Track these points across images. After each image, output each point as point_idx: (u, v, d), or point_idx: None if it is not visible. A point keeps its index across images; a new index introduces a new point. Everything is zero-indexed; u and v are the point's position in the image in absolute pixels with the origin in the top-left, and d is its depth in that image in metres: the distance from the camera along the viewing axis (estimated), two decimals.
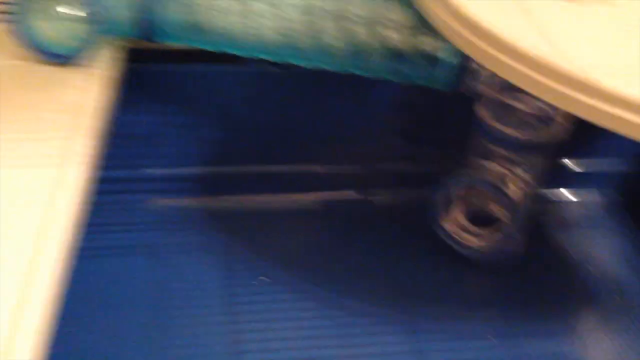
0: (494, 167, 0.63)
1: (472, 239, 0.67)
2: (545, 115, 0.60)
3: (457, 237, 0.67)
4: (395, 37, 0.57)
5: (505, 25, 0.44)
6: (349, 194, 0.77)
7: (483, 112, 0.61)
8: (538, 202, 0.78)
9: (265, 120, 0.74)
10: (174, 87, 0.71)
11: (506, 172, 0.63)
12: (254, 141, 0.75)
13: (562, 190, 0.81)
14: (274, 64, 0.62)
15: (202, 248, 0.68)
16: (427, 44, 0.57)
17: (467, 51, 0.46)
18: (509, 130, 0.60)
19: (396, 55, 0.58)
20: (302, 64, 0.61)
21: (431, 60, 0.58)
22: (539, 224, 0.76)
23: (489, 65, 0.44)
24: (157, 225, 0.70)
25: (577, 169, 0.80)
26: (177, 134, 0.73)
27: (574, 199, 0.80)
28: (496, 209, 0.67)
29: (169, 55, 0.68)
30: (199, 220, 0.71)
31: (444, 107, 0.71)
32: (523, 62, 0.42)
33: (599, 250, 0.75)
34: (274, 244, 0.70)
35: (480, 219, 0.68)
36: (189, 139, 0.73)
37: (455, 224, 0.68)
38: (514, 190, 0.63)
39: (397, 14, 0.57)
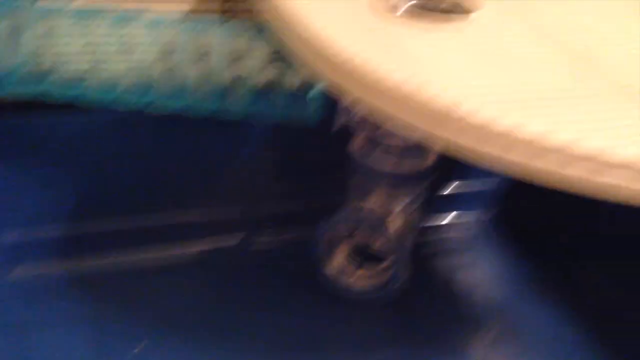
0: (374, 203, 0.62)
1: (358, 279, 0.65)
2: (420, 147, 0.60)
3: (341, 278, 0.65)
4: (259, 75, 0.54)
5: (371, 61, 0.42)
6: (229, 241, 0.73)
7: (357, 148, 0.59)
8: (422, 233, 0.78)
9: (131, 170, 0.68)
10: (23, 141, 0.64)
11: (387, 209, 0.62)
12: (120, 193, 0.69)
13: (445, 216, 0.81)
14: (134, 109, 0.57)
15: (71, 320, 0.61)
16: (292, 80, 0.54)
17: (332, 89, 0.44)
18: (384, 166, 0.58)
19: (261, 93, 0.55)
20: (161, 109, 0.56)
21: (297, 97, 0.55)
22: (424, 254, 0.76)
23: (356, 103, 0.42)
24: (17, 300, 0.62)
25: (458, 193, 0.81)
26: (32, 192, 0.66)
27: (457, 224, 0.81)
28: (380, 246, 0.65)
29: (15, 106, 0.61)
30: (65, 288, 0.64)
31: (321, 144, 0.69)
32: (390, 98, 0.40)
33: (483, 273, 0.76)
34: (151, 306, 0.64)
35: (366, 256, 0.67)
36: (47, 197, 0.66)
37: (339, 265, 0.65)
38: (395, 225, 0.62)
39: (260, 51, 0.54)
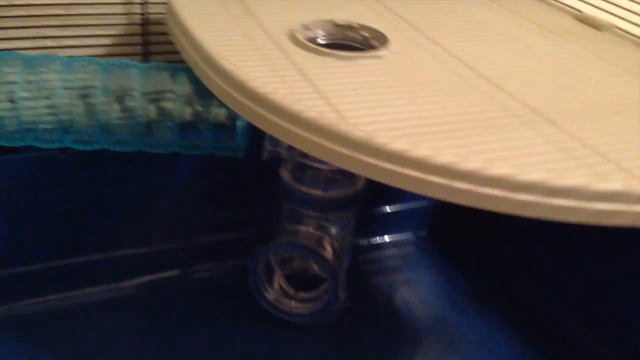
0: (308, 229, 0.62)
1: (297, 304, 0.65)
2: (349, 172, 0.60)
3: (280, 305, 0.65)
4: (183, 110, 0.54)
5: (288, 94, 0.43)
6: (167, 273, 0.72)
7: (287, 176, 0.60)
8: (359, 253, 0.79)
9: (61, 209, 0.67)
10: None
11: (320, 233, 0.62)
12: (51, 233, 0.67)
13: (381, 236, 0.82)
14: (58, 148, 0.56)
15: None
16: (216, 113, 0.54)
17: (254, 122, 0.44)
18: (315, 192, 0.59)
19: (186, 127, 0.55)
20: (86, 147, 0.55)
21: (222, 129, 0.55)
22: (363, 274, 0.77)
23: (278, 135, 0.43)
24: None
25: (394, 213, 0.82)
26: None
27: (393, 243, 0.83)
28: (317, 270, 0.66)
29: None
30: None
31: (252, 173, 0.69)
32: (311, 131, 0.41)
33: (421, 289, 0.77)
34: (89, 349, 0.63)
35: (304, 282, 0.67)
36: None
37: (277, 292, 0.65)
38: (330, 250, 0.62)
39: (183, 86, 0.54)
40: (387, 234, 0.83)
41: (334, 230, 0.64)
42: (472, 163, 0.37)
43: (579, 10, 0.70)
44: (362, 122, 0.40)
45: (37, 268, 0.68)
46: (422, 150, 0.37)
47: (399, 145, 0.38)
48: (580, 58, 0.56)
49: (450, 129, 0.41)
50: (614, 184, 0.36)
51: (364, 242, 0.81)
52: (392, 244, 0.83)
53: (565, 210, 0.36)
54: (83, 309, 0.67)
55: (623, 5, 0.65)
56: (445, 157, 0.37)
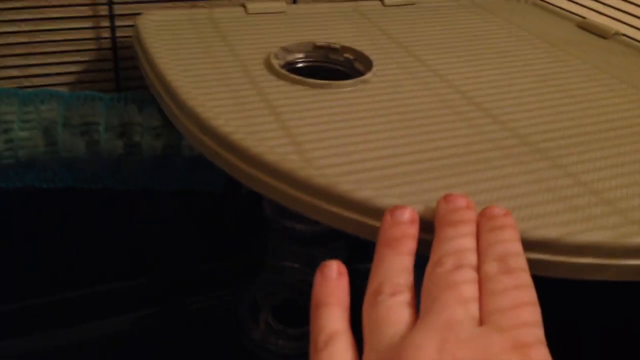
0: (293, 265, 0.58)
1: (284, 343, 0.61)
2: None
3: (267, 341, 0.61)
4: (153, 143, 0.51)
5: (250, 133, 0.39)
6: (150, 310, 0.69)
7: (269, 210, 0.56)
8: (354, 280, 0.75)
9: (40, 245, 0.64)
10: None
11: (307, 269, 0.58)
12: (34, 269, 0.65)
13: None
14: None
15: None
16: (187, 146, 0.51)
17: (216, 162, 0.41)
18: (299, 226, 0.55)
19: (157, 161, 0.52)
20: (49, 185, 0.52)
21: (198, 162, 0.52)
22: (358, 304, 0.73)
23: (240, 178, 0.39)
24: None
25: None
26: None
27: None
28: (304, 306, 0.62)
29: None
30: None
31: (233, 207, 0.66)
32: (271, 175, 0.37)
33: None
34: None
35: (291, 317, 0.63)
36: None
37: (262, 331, 0.62)
38: None
39: (152, 118, 0.51)
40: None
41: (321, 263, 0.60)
42: None
43: (582, 17, 0.65)
44: (328, 163, 0.37)
45: (24, 305, 0.65)
46: (387, 198, 0.33)
47: (364, 193, 0.34)
48: (582, 74, 0.51)
49: (425, 168, 0.37)
50: (604, 233, 0.32)
51: (360, 267, 0.77)
52: None
53: (542, 264, 0.32)
54: (73, 344, 0.64)
55: (629, 11, 0.60)
56: (412, 205, 0.33)
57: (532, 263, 0.27)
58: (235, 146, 0.38)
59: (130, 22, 0.58)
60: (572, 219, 0.33)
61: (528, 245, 0.29)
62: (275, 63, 0.48)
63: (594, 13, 0.64)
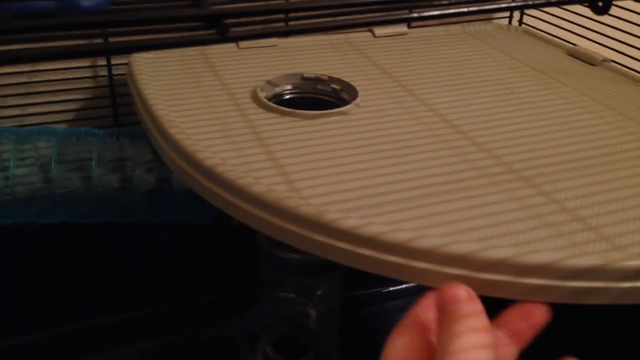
0: (289, 295, 0.58)
1: None
2: None
3: None
4: (146, 177, 0.51)
5: (238, 164, 0.40)
6: (146, 342, 0.68)
7: (264, 241, 0.56)
8: (355, 308, 0.74)
9: (42, 279, 0.64)
10: None
11: (304, 299, 0.58)
12: (37, 302, 0.65)
13: (379, 287, 0.78)
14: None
15: None
16: (178, 180, 0.52)
17: (203, 195, 0.41)
18: (293, 255, 0.55)
19: (151, 195, 0.52)
20: (45, 220, 0.53)
21: (190, 195, 0.52)
22: (358, 333, 0.72)
23: (227, 211, 0.40)
24: None
25: None
26: None
27: (392, 294, 0.78)
28: (304, 336, 0.61)
29: None
30: None
31: (226, 238, 0.66)
32: (258, 207, 0.37)
33: None
34: None
35: (290, 348, 0.63)
36: None
37: None
38: (314, 316, 0.58)
39: (144, 153, 0.52)
40: (388, 284, 0.78)
41: (319, 291, 0.60)
42: (429, 240, 0.33)
43: (572, 43, 0.65)
44: (314, 193, 0.37)
45: (29, 338, 0.65)
46: (374, 227, 0.33)
47: (350, 221, 0.34)
48: (570, 101, 0.52)
49: (411, 196, 0.37)
50: (591, 259, 0.32)
51: (361, 293, 0.77)
52: (392, 294, 0.78)
53: (537, 289, 0.32)
54: None
55: (618, 37, 0.61)
56: (399, 233, 0.33)
57: (524, 288, 0.27)
58: (221, 178, 0.39)
59: (126, 60, 0.59)
60: (560, 246, 0.33)
61: (519, 270, 0.29)
62: (262, 95, 0.49)
63: (584, 40, 0.65)
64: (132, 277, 0.66)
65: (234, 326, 0.61)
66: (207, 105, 0.48)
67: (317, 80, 0.54)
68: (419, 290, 0.79)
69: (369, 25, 0.34)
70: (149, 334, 0.69)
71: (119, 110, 0.62)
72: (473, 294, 0.30)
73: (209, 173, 0.39)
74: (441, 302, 0.30)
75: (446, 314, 0.29)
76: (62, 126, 0.61)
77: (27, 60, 0.22)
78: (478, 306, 0.29)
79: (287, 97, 0.53)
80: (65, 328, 0.66)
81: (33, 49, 0.22)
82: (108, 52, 0.43)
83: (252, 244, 0.57)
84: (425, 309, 0.32)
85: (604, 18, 0.43)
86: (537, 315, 0.32)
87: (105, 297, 0.67)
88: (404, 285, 0.76)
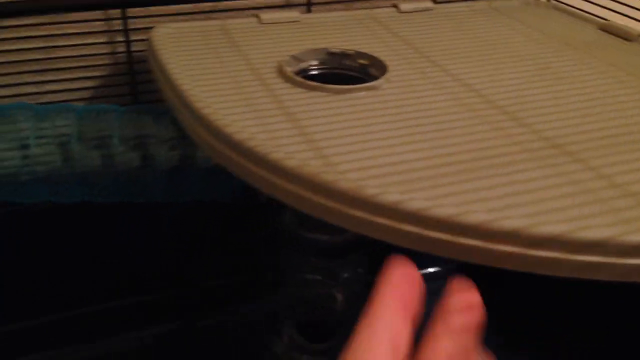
0: (315, 278, 0.57)
1: (307, 357, 0.60)
2: None
3: (290, 357, 0.59)
4: (168, 155, 0.50)
5: (268, 139, 0.38)
6: (171, 325, 0.67)
7: (289, 221, 0.55)
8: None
9: (47, 263, 0.63)
10: None
11: (330, 281, 0.57)
12: (41, 287, 0.64)
13: None
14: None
15: None
16: (202, 157, 0.50)
17: (232, 170, 0.39)
18: (320, 236, 0.54)
19: (173, 173, 0.51)
20: (64, 200, 0.51)
21: (213, 173, 0.51)
22: None
23: (258, 185, 0.38)
24: None
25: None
26: None
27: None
28: (329, 319, 0.60)
29: None
30: None
31: (250, 219, 0.64)
32: (292, 181, 0.36)
33: None
34: None
35: (315, 331, 0.62)
36: None
37: (286, 345, 0.60)
38: (341, 299, 0.57)
39: (167, 130, 0.50)
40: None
41: (345, 274, 0.58)
42: (475, 215, 0.31)
43: (604, 19, 0.63)
44: (350, 168, 0.35)
45: (31, 323, 0.64)
46: (416, 202, 0.32)
47: (391, 196, 0.32)
48: (607, 77, 0.50)
49: (451, 171, 0.35)
50: None
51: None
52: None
53: (591, 266, 0.30)
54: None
55: None
56: (443, 208, 0.31)
57: (581, 265, 0.25)
58: (252, 153, 0.37)
59: (145, 36, 0.58)
60: (612, 222, 0.31)
61: (572, 247, 0.28)
62: (288, 70, 0.47)
63: (617, 15, 0.62)
64: (150, 259, 0.65)
65: (257, 310, 0.60)
66: (231, 80, 0.47)
67: (344, 55, 0.52)
68: (443, 275, 0.78)
69: None
70: (167, 317, 0.68)
71: (138, 88, 0.60)
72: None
73: (238, 147, 0.38)
74: (452, 304, 0.24)
75: (446, 314, 0.25)
76: (79, 104, 0.59)
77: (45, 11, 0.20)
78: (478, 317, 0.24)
79: (313, 72, 0.51)
80: (83, 309, 0.65)
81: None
82: (124, 4, 0.40)
83: (277, 225, 0.56)
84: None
85: None
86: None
87: (124, 279, 0.66)
88: (429, 270, 0.75)
